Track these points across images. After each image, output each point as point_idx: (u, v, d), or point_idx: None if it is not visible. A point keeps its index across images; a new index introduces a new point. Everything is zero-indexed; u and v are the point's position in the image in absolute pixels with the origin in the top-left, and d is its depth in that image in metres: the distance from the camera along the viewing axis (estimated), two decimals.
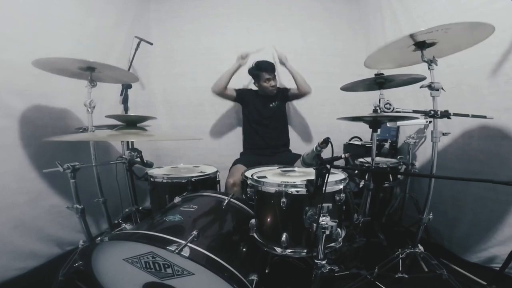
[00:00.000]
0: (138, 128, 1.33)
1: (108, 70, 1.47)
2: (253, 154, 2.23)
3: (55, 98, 1.77)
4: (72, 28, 1.86)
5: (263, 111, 2.26)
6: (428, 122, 1.84)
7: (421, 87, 1.32)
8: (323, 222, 0.96)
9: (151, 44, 2.39)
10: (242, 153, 2.35)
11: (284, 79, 2.48)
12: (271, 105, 2.28)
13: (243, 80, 2.48)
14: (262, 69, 2.18)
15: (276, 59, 2.34)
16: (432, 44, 1.25)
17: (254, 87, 2.37)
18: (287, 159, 2.07)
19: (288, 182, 1.10)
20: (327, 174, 0.98)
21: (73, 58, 1.30)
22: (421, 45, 1.26)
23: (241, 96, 2.32)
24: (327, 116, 2.61)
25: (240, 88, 2.38)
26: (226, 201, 1.36)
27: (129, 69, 2.22)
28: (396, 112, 1.37)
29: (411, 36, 1.20)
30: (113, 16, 2.27)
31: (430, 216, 1.36)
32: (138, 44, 2.29)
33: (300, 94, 2.32)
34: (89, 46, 1.99)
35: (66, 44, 1.79)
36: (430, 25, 1.12)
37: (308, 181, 1.06)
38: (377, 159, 1.95)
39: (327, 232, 0.96)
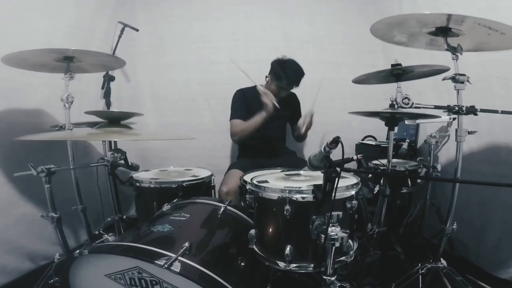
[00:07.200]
0: (122, 126, 1.34)
1: (89, 57, 1.47)
2: (252, 157, 2.21)
3: (28, 92, 1.77)
4: (46, 13, 1.86)
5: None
6: (451, 119, 1.84)
7: (443, 79, 1.32)
8: (333, 233, 0.96)
9: (137, 30, 2.39)
10: (239, 155, 2.35)
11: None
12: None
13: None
14: (286, 76, 2.00)
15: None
16: (455, 35, 1.25)
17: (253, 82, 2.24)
18: (291, 163, 2.06)
19: (292, 187, 1.09)
20: (337, 178, 0.98)
21: (47, 48, 1.30)
22: (443, 31, 1.25)
23: (245, 100, 2.15)
24: (336, 113, 2.61)
25: (240, 89, 2.21)
26: (222, 209, 1.36)
27: None
28: (416, 107, 1.36)
29: (449, 17, 1.13)
30: None
31: (454, 226, 1.36)
32: (122, 30, 2.29)
33: (296, 137, 2.36)
34: (67, 33, 2.00)
35: (40, 33, 1.79)
36: (455, 10, 1.11)
37: (316, 186, 1.06)
38: (394, 161, 1.95)
39: (337, 244, 0.96)
